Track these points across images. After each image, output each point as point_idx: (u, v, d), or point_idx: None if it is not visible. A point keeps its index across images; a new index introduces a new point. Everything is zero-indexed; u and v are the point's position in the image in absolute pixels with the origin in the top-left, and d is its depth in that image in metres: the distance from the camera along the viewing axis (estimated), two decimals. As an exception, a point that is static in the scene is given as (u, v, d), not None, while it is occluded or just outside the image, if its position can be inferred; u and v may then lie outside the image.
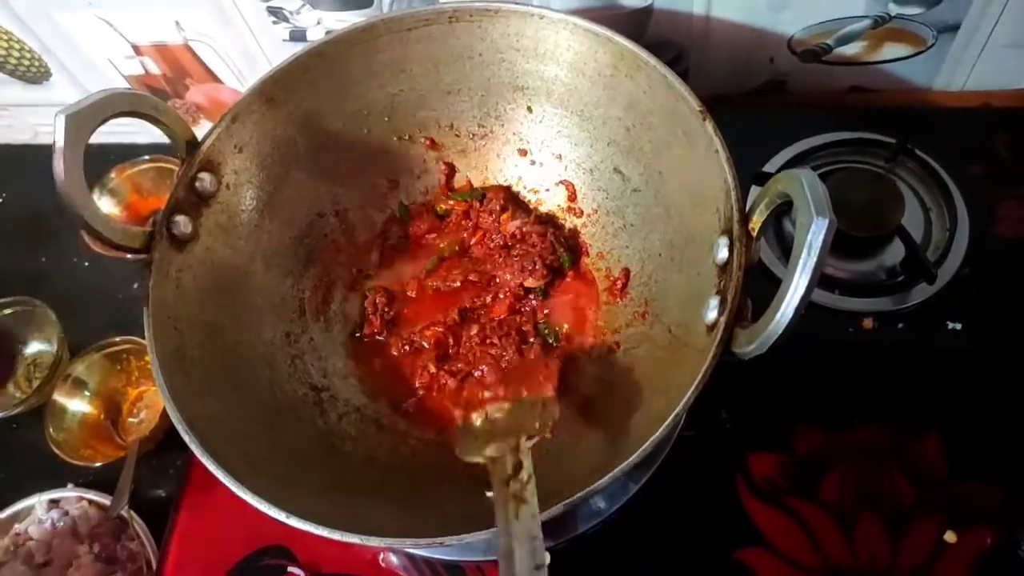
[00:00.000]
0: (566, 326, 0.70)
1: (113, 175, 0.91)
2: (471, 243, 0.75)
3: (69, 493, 0.78)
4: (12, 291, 0.88)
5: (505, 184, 0.77)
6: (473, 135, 0.75)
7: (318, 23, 0.84)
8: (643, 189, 0.67)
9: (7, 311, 0.87)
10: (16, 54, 0.92)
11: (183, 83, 0.95)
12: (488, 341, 0.69)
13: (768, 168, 0.83)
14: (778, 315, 0.43)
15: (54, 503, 0.78)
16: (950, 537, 0.64)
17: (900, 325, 0.75)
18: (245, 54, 0.89)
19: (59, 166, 0.52)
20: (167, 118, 0.60)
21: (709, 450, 0.70)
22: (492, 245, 0.73)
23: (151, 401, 0.85)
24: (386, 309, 0.72)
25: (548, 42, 0.67)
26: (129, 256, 0.59)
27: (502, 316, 0.70)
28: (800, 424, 0.71)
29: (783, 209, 0.47)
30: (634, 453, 0.48)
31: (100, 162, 0.88)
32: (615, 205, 0.71)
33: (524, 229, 0.72)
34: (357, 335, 0.72)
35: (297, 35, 0.86)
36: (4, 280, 0.92)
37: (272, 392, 0.64)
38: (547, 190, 0.76)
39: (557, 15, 0.65)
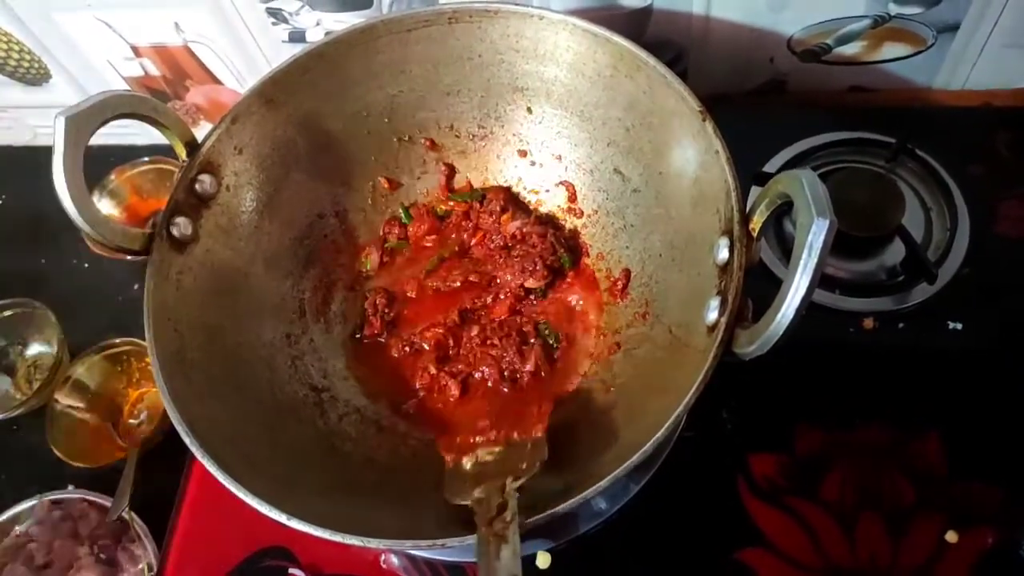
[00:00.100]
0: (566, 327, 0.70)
1: (113, 177, 0.91)
2: (471, 244, 0.75)
3: (70, 495, 0.78)
4: (12, 293, 0.88)
5: (505, 185, 0.77)
6: (473, 136, 0.75)
7: (317, 24, 0.84)
8: (643, 190, 0.67)
9: (7, 312, 0.87)
10: (16, 56, 0.92)
11: (183, 85, 0.95)
12: (489, 342, 0.68)
13: (768, 168, 0.83)
14: (779, 316, 0.43)
15: (55, 504, 0.78)
16: (951, 537, 0.64)
17: (901, 325, 0.75)
18: (244, 55, 0.89)
19: (59, 168, 0.52)
20: (167, 120, 0.60)
21: (710, 450, 0.70)
22: (492, 246, 0.73)
23: (151, 403, 0.85)
24: (386, 310, 0.72)
25: (548, 43, 0.67)
26: (129, 258, 0.59)
27: (503, 317, 0.70)
28: (801, 424, 0.71)
29: (783, 209, 0.47)
30: (635, 454, 0.48)
31: (100, 164, 0.88)
32: (615, 206, 0.71)
33: (524, 230, 0.72)
34: (357, 336, 0.72)
35: (296, 36, 0.86)
36: (4, 282, 0.92)
37: (272, 393, 0.64)
38: (547, 191, 0.76)
39: (556, 16, 0.65)
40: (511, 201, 0.75)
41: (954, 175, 0.80)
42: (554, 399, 0.63)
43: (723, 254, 0.52)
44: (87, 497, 0.77)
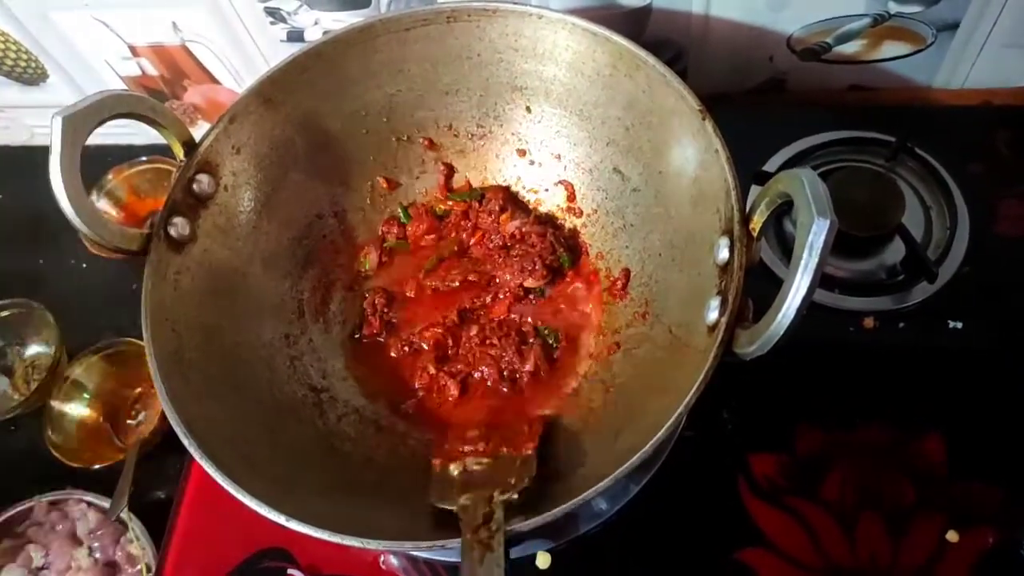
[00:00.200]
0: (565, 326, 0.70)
1: (110, 177, 0.91)
2: (470, 244, 0.74)
3: (68, 495, 0.77)
4: (10, 293, 0.88)
5: (504, 184, 0.76)
6: (472, 135, 0.75)
7: (316, 23, 0.84)
8: (643, 189, 0.66)
9: (5, 313, 0.87)
10: (13, 55, 0.91)
11: (180, 84, 0.94)
12: (488, 342, 0.68)
13: (768, 167, 0.83)
14: (779, 316, 0.43)
15: (53, 505, 0.77)
16: (952, 537, 0.64)
17: (901, 324, 0.75)
18: (242, 55, 0.89)
19: (56, 168, 0.52)
20: (164, 119, 0.60)
21: (710, 450, 0.70)
22: (491, 245, 0.73)
23: (150, 403, 0.85)
24: (385, 310, 0.72)
25: (547, 42, 0.67)
26: (126, 258, 0.59)
27: (502, 316, 0.70)
28: (801, 424, 0.71)
29: (783, 209, 0.47)
30: (635, 454, 0.48)
31: (97, 164, 0.88)
32: (615, 205, 0.70)
33: (523, 229, 0.72)
34: (356, 336, 0.72)
35: (295, 35, 0.86)
36: (2, 282, 0.92)
37: (271, 393, 0.64)
38: (546, 190, 0.75)
39: (555, 15, 0.64)
40: (510, 200, 0.75)
41: (954, 174, 0.80)
42: (544, 422, 0.63)
43: (723, 254, 0.52)
44: (85, 498, 0.77)
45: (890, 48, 0.84)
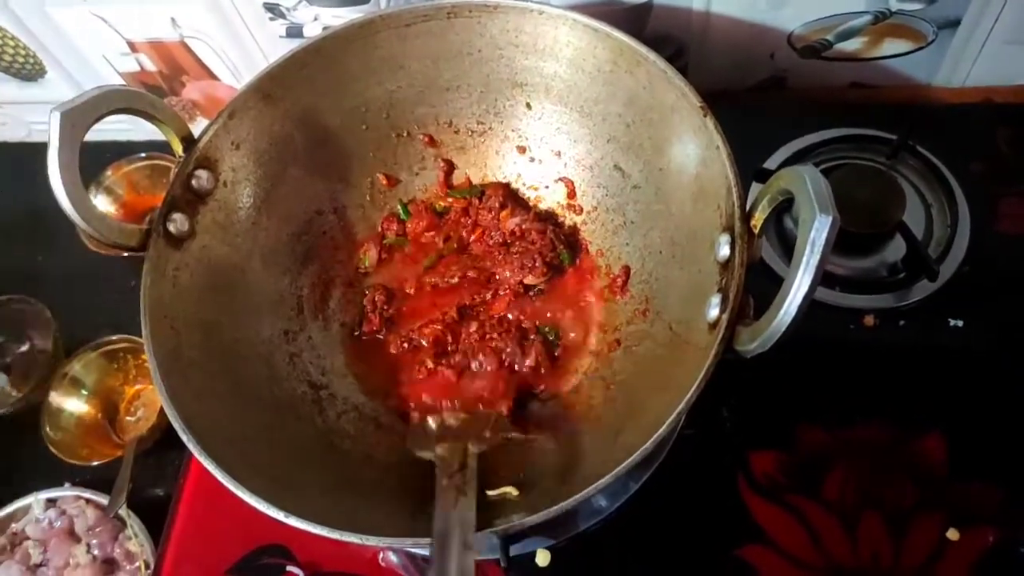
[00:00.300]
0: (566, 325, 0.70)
1: (109, 173, 0.90)
2: (470, 240, 0.74)
3: (66, 492, 0.77)
4: (8, 289, 0.88)
5: (504, 181, 0.76)
6: (472, 132, 0.75)
7: (315, 19, 0.84)
8: (643, 186, 0.66)
9: (3, 309, 0.87)
10: (11, 51, 0.91)
11: (179, 80, 0.94)
12: (487, 338, 0.68)
13: (769, 164, 0.83)
14: (781, 313, 0.43)
15: (51, 502, 0.77)
16: (952, 535, 0.64)
17: (902, 322, 0.75)
18: (241, 51, 0.88)
19: (54, 164, 0.51)
20: (163, 115, 0.59)
21: (710, 448, 0.70)
22: (491, 242, 0.73)
23: (148, 400, 0.85)
24: (385, 307, 0.72)
25: (547, 38, 0.66)
26: (125, 254, 0.59)
27: (501, 313, 0.70)
28: (802, 422, 0.70)
29: (784, 206, 0.47)
30: (635, 452, 0.48)
31: (96, 160, 0.88)
32: (615, 202, 0.70)
33: (523, 226, 0.72)
34: (356, 333, 0.72)
35: (294, 31, 0.85)
36: (0, 278, 0.92)
37: (270, 390, 0.64)
38: (546, 187, 0.75)
39: (556, 11, 0.64)
40: (510, 197, 0.74)
41: (955, 172, 0.80)
42: (520, 384, 0.66)
43: (724, 251, 0.52)
44: (83, 495, 0.77)
45: (891, 45, 0.83)
